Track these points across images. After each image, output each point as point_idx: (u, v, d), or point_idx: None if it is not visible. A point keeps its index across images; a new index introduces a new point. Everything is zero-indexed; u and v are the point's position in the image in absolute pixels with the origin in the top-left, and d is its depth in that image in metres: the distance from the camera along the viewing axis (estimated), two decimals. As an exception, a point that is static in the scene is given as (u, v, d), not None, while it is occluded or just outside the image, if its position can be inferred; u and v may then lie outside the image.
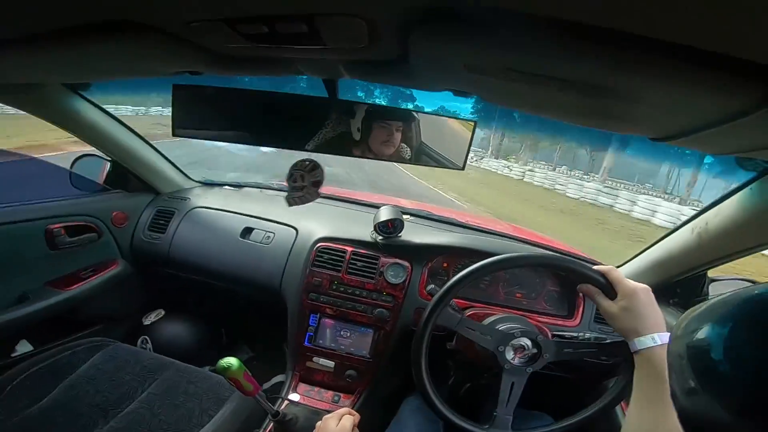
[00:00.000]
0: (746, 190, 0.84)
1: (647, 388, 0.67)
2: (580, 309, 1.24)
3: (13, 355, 1.37)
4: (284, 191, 1.73)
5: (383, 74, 0.73)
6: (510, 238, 1.52)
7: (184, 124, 0.78)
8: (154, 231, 1.58)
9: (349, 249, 1.32)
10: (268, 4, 0.48)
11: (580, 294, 1.15)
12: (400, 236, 1.31)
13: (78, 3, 0.51)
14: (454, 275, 1.23)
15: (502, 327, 1.01)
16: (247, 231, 1.51)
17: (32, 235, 1.31)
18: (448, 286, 0.95)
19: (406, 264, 1.30)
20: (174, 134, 0.79)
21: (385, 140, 0.81)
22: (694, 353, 0.39)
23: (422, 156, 0.82)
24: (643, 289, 0.76)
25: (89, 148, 1.45)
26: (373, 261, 1.30)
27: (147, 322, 1.66)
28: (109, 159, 1.55)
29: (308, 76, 0.79)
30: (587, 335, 1.14)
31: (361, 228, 1.37)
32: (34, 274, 1.36)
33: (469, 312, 1.16)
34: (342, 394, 1.31)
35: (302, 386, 1.33)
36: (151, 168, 1.61)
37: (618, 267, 1.29)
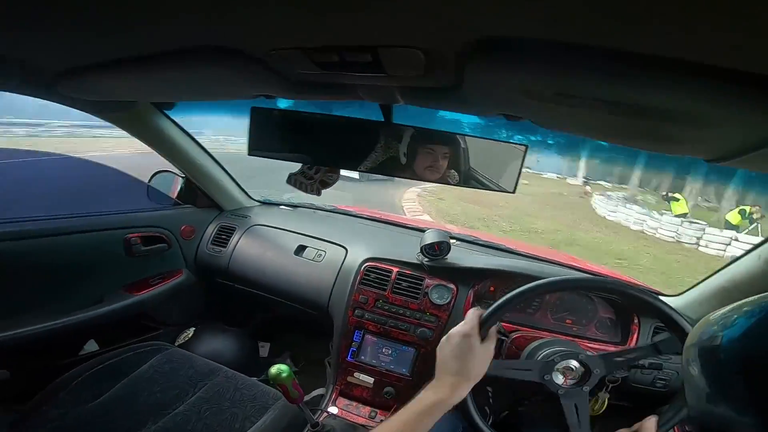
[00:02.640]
0: None
1: None
2: (635, 335, 1.18)
3: (80, 353, 1.48)
4: (336, 212, 1.89)
5: (437, 100, 0.76)
6: (562, 266, 1.48)
7: (258, 145, 0.84)
8: (217, 245, 1.69)
9: (395, 269, 1.35)
10: (339, 36, 0.53)
11: (635, 320, 1.11)
12: (447, 259, 1.31)
13: (179, 30, 0.58)
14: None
15: (543, 353, 0.99)
16: (301, 248, 1.58)
17: (113, 242, 1.45)
18: (495, 307, 0.92)
19: (452, 286, 1.30)
20: (249, 154, 0.84)
21: (429, 165, 0.83)
22: (704, 355, 0.39)
23: (471, 180, 0.84)
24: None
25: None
26: (418, 282, 1.31)
27: (178, 343, 1.72)
28: (182, 175, 1.68)
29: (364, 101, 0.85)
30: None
31: (407, 250, 1.39)
32: (111, 278, 1.48)
33: (515, 335, 1.15)
34: (379, 411, 1.31)
35: (341, 400, 1.35)
36: (218, 186, 1.73)
37: (678, 295, 1.24)
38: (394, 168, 0.82)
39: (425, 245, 1.29)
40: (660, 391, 1.13)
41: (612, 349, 1.16)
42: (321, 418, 1.23)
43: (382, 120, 0.83)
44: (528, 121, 0.77)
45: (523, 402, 1.34)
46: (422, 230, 1.58)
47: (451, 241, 1.33)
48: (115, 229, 1.45)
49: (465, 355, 0.76)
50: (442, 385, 0.73)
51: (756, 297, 0.39)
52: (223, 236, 1.69)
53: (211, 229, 1.73)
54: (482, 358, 0.77)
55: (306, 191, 0.93)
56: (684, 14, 0.32)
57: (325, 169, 0.90)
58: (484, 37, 0.47)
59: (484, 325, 0.84)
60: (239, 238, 1.67)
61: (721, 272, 1.11)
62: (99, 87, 0.93)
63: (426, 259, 1.31)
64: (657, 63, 0.40)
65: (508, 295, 0.91)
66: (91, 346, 1.52)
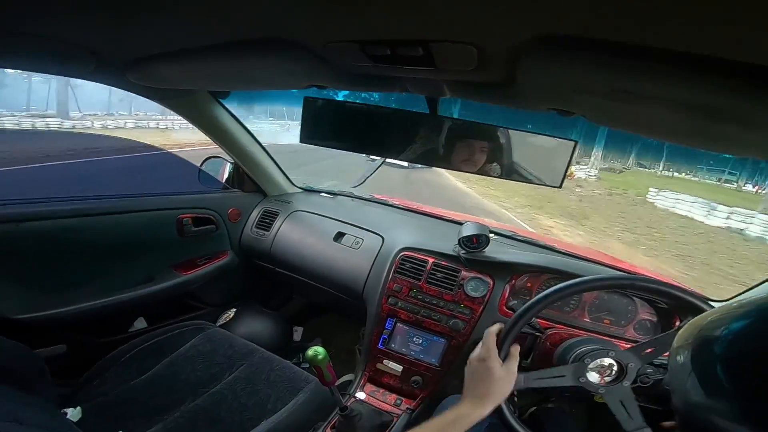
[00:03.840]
0: None
1: None
2: None
3: (130, 330, 1.57)
4: (373, 201, 1.93)
5: (486, 94, 0.77)
6: (604, 265, 1.44)
7: (310, 133, 0.88)
8: (261, 228, 1.75)
9: (431, 260, 1.35)
10: (392, 30, 0.55)
11: (677, 323, 1.07)
12: (484, 252, 1.31)
13: (242, 21, 0.62)
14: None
15: (575, 352, 0.97)
16: (340, 235, 1.62)
17: (167, 222, 1.53)
18: (532, 302, 0.91)
19: (488, 279, 1.29)
20: (301, 141, 0.89)
21: (469, 157, 0.84)
22: (696, 354, 0.38)
23: (513, 173, 0.84)
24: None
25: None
26: (454, 273, 1.31)
27: (219, 323, 1.77)
28: (231, 161, 1.77)
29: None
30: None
31: (443, 241, 1.39)
32: (162, 257, 1.57)
33: (550, 332, 1.13)
34: (404, 399, 1.33)
35: (369, 386, 1.37)
36: (264, 172, 1.80)
37: (726, 300, 1.18)
38: (437, 158, 0.85)
39: (463, 237, 1.28)
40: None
41: (650, 351, 1.12)
42: (348, 403, 1.24)
43: (428, 112, 0.85)
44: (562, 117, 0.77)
45: (550, 398, 1.32)
46: (459, 223, 1.58)
47: (490, 235, 1.32)
48: (169, 209, 1.54)
49: (485, 379, 0.79)
50: (465, 405, 0.77)
51: (756, 298, 0.39)
52: (267, 220, 1.76)
53: (255, 213, 1.80)
54: (503, 380, 0.79)
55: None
56: (754, 15, 0.31)
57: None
58: (540, 35, 0.47)
59: (502, 347, 0.86)
60: (282, 223, 1.72)
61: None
62: (164, 75, 1.00)
63: (463, 251, 1.31)
64: (719, 65, 0.40)
65: (521, 309, 0.90)
66: (140, 323, 1.60)
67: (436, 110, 0.85)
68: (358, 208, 1.84)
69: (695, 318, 0.44)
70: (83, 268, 1.34)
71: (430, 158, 0.85)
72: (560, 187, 0.84)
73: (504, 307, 1.26)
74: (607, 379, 0.89)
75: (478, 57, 0.57)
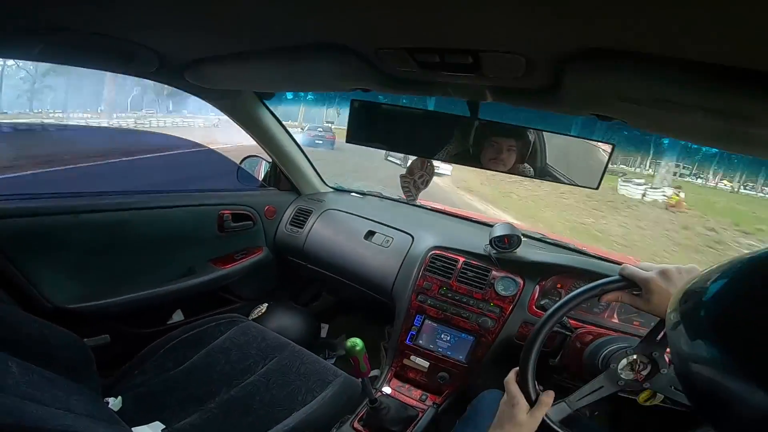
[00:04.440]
0: None
1: None
2: None
3: (168, 322, 1.61)
4: (402, 202, 1.93)
5: (528, 100, 0.79)
6: None
7: (356, 134, 0.92)
8: (295, 226, 1.78)
9: (461, 259, 1.36)
10: (443, 39, 0.57)
11: None
12: (515, 252, 1.31)
13: (300, 27, 0.64)
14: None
15: (603, 353, 0.94)
16: (370, 234, 1.63)
17: (207, 218, 1.57)
18: (567, 299, 0.88)
19: (519, 279, 1.29)
20: (347, 141, 0.93)
21: (503, 159, 0.88)
22: (684, 309, 0.38)
23: (547, 174, 0.88)
24: (658, 273, 0.68)
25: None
26: (484, 272, 1.32)
27: (252, 317, 1.77)
28: (268, 161, 1.82)
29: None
30: None
31: (474, 241, 1.40)
32: (201, 252, 1.62)
33: (580, 331, 1.12)
34: (430, 395, 1.33)
35: (395, 381, 1.38)
36: (299, 171, 1.84)
37: None
38: (474, 159, 0.88)
39: (495, 237, 1.28)
40: None
41: None
42: (376, 396, 1.25)
43: (469, 115, 0.88)
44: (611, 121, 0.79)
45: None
46: (488, 225, 1.61)
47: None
48: (211, 205, 1.58)
49: (506, 423, 0.78)
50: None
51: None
52: (301, 218, 1.79)
53: (290, 211, 1.83)
54: (524, 427, 0.77)
55: (413, 193, 1.06)
56: None
57: (419, 174, 1.00)
58: (586, 47, 0.49)
59: (525, 391, 0.82)
60: (315, 221, 1.75)
61: None
62: (219, 77, 1.06)
63: (494, 251, 1.31)
64: (756, 77, 0.41)
65: (527, 345, 0.86)
66: (178, 315, 1.65)
67: (477, 113, 0.88)
68: (387, 208, 1.85)
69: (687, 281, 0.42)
70: (129, 260, 1.39)
71: (468, 158, 0.89)
72: (597, 188, 0.86)
73: (534, 307, 1.26)
74: (644, 373, 0.86)
75: (525, 65, 0.59)
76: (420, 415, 1.24)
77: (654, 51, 0.45)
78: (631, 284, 0.77)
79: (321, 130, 15.37)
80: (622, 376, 0.86)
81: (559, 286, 1.31)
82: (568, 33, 0.47)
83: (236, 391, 1.13)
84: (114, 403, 1.03)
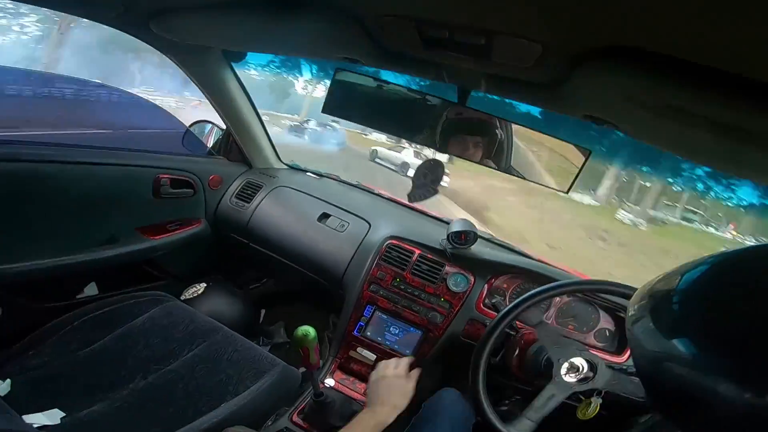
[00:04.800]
0: None
1: None
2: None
3: (79, 296, 1.38)
4: (361, 188, 1.84)
5: (522, 93, 0.78)
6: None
7: (334, 105, 0.86)
8: (241, 200, 1.62)
9: (417, 251, 1.32)
10: (460, 13, 0.52)
11: None
12: (470, 249, 1.29)
13: None
14: (512, 297, 1.29)
15: (547, 353, 0.97)
16: (325, 216, 1.53)
17: (142, 180, 1.37)
18: (522, 299, 0.95)
19: (470, 276, 1.28)
20: (323, 112, 0.87)
21: (482, 150, 0.88)
22: (657, 307, 0.37)
23: (527, 171, 0.89)
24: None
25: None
26: (438, 267, 1.29)
27: (184, 297, 1.61)
28: (221, 128, 1.66)
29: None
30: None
31: (430, 234, 1.37)
32: (130, 218, 1.40)
33: (524, 331, 1.12)
34: None
35: (339, 373, 1.30)
36: (254, 142, 1.68)
37: None
38: (452, 146, 0.87)
39: (452, 232, 1.26)
40: (640, 400, 1.13)
41: (608, 357, 1.16)
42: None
43: (456, 101, 0.85)
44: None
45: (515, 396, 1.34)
46: (444, 221, 1.59)
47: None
48: (148, 167, 1.39)
49: (393, 391, 0.92)
50: (374, 411, 0.88)
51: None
52: (249, 192, 1.64)
53: (237, 184, 1.68)
54: (404, 392, 0.93)
55: (427, 197, 1.07)
56: None
57: (427, 170, 1.03)
58: (612, 44, 0.46)
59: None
60: (264, 197, 1.62)
61: None
62: (188, 29, 0.95)
63: (450, 247, 1.29)
64: None
65: (505, 309, 0.95)
66: (92, 289, 1.43)
67: (465, 101, 0.85)
68: (345, 193, 1.75)
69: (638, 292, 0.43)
70: (39, 220, 1.16)
71: (449, 146, 0.87)
72: (567, 193, 0.88)
73: (481, 305, 1.27)
74: (570, 377, 0.92)
75: (539, 55, 0.55)
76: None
77: (682, 55, 0.43)
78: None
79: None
80: (566, 380, 0.91)
81: (505, 286, 1.32)
82: (601, 26, 0.44)
83: (155, 378, 0.99)
84: (0, 387, 0.88)
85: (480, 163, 0.89)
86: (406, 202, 1.79)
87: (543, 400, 0.90)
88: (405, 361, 1.01)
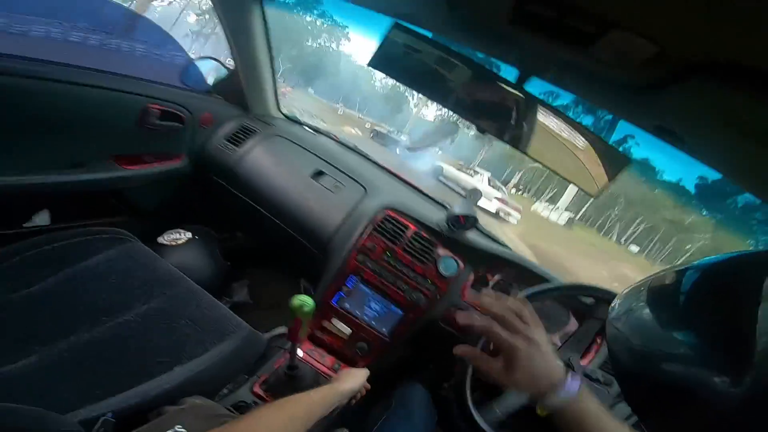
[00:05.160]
0: None
1: None
2: (592, 353, 1.16)
3: (25, 225, 1.16)
4: (358, 152, 1.70)
5: (595, 90, 0.69)
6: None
7: (383, 59, 0.78)
8: (231, 142, 1.47)
9: (413, 227, 1.23)
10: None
11: (598, 340, 1.12)
12: (465, 235, 1.23)
13: None
14: (495, 289, 1.25)
15: None
16: (319, 174, 1.40)
17: (130, 107, 1.19)
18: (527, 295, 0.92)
19: (461, 262, 1.22)
20: (368, 65, 0.79)
21: (525, 137, 0.82)
22: (656, 301, 0.38)
23: (562, 168, 0.84)
24: (521, 343, 0.52)
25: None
26: (431, 247, 1.22)
27: (161, 241, 1.45)
28: (228, 67, 1.51)
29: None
30: (596, 375, 1.08)
31: (427, 213, 1.28)
32: (107, 144, 1.23)
33: None
34: (342, 364, 1.21)
35: (307, 344, 1.23)
36: (258, 86, 1.54)
37: None
38: (502, 131, 0.81)
39: (452, 215, 1.19)
40: None
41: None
42: (284, 357, 1.09)
43: (515, 83, 0.76)
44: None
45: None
46: (442, 204, 1.50)
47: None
48: (139, 95, 1.21)
49: (354, 375, 0.93)
50: (339, 382, 0.88)
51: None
52: (241, 136, 1.48)
53: (231, 126, 1.51)
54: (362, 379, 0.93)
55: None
56: None
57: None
58: (741, 63, 0.41)
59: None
60: (257, 143, 1.46)
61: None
62: None
63: (447, 229, 1.22)
64: None
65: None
66: (43, 219, 1.20)
67: (523, 83, 0.76)
68: (343, 154, 1.61)
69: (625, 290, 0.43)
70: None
71: (499, 130, 0.81)
72: (594, 197, 0.83)
73: (465, 293, 1.21)
74: None
75: (650, 58, 0.48)
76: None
77: None
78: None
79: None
80: None
81: (488, 278, 1.27)
82: (738, 41, 0.39)
83: (101, 331, 0.84)
84: None
85: (531, 153, 0.83)
86: (406, 178, 1.68)
87: (514, 395, 0.89)
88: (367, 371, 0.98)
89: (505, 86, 0.77)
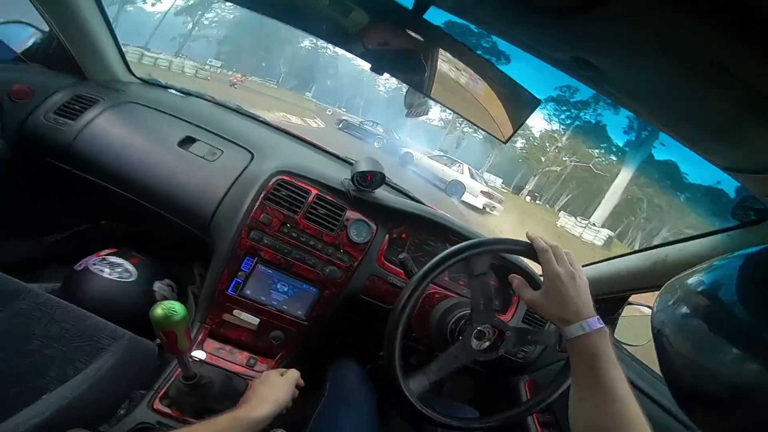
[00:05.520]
0: (723, 235, 0.85)
1: (583, 375, 0.62)
2: (514, 307, 1.18)
3: None
4: (245, 114, 1.46)
5: (501, 17, 0.60)
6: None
7: None
8: (62, 116, 1.16)
9: (314, 191, 1.08)
10: None
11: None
12: (374, 193, 1.11)
13: None
14: (410, 249, 1.18)
15: (455, 315, 0.93)
16: (189, 140, 1.17)
17: None
18: (435, 262, 0.82)
19: (373, 225, 1.11)
20: None
21: (423, 75, 0.73)
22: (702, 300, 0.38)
23: (470, 111, 0.77)
24: (564, 273, 0.67)
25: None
26: (339, 211, 1.09)
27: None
28: (41, 30, 1.24)
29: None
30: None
31: (330, 174, 1.14)
32: None
33: (427, 291, 1.03)
34: (260, 358, 1.06)
35: (210, 342, 1.05)
36: (92, 48, 1.24)
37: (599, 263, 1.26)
38: (400, 70, 0.72)
39: (357, 172, 1.07)
40: (518, 361, 1.16)
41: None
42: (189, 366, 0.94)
43: (410, 9, 0.65)
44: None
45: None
46: (348, 162, 1.37)
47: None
48: None
49: (277, 387, 0.77)
50: (251, 406, 0.71)
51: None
52: (76, 107, 1.18)
53: (59, 97, 1.20)
54: (287, 390, 0.79)
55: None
56: None
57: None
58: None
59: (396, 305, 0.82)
60: (100, 113, 1.18)
61: (615, 260, 1.18)
62: None
63: (353, 189, 1.09)
64: None
65: (423, 270, 0.82)
66: None
67: (422, 12, 0.65)
68: (223, 117, 1.38)
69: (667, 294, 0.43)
70: None
71: (390, 65, 0.71)
72: (505, 143, 0.78)
73: (383, 258, 1.12)
74: (477, 344, 0.85)
75: None
76: (250, 385, 0.97)
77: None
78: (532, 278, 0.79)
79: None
80: (474, 347, 0.84)
81: (404, 236, 1.19)
82: None
83: None
84: None
85: (434, 95, 0.75)
86: (306, 137, 1.51)
87: (444, 362, 0.85)
88: (294, 373, 0.85)
89: (400, 15, 0.65)
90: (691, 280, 0.41)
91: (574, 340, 0.63)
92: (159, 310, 0.64)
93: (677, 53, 0.47)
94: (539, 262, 0.72)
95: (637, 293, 1.14)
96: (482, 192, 10.87)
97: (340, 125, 15.42)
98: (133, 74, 1.39)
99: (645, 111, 0.65)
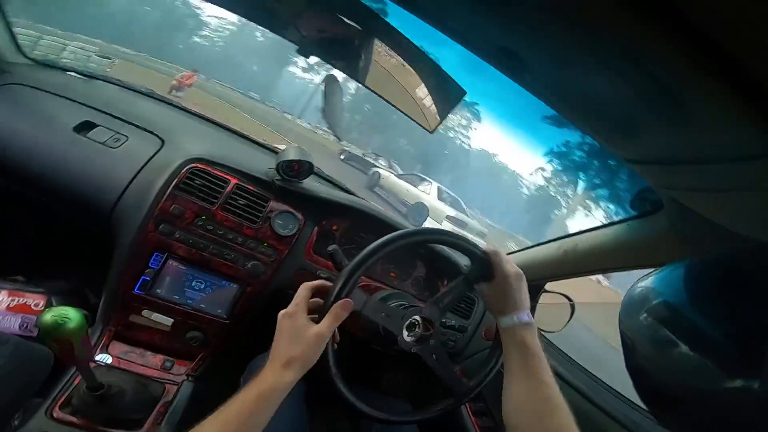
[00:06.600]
0: (626, 224, 0.89)
1: (515, 361, 0.69)
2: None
3: None
4: (157, 98, 1.35)
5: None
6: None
7: None
8: None
9: (234, 180, 1.01)
10: None
11: (444, 282, 1.22)
12: (302, 183, 1.07)
13: None
14: (341, 242, 1.15)
15: (394, 303, 0.87)
16: (87, 126, 1.04)
17: None
18: (368, 251, 0.75)
19: (300, 216, 1.07)
20: None
21: (356, 60, 0.71)
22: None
23: (398, 98, 0.77)
24: (515, 274, 0.75)
25: None
26: (262, 203, 1.03)
27: None
28: None
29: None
30: (452, 322, 1.17)
31: (252, 162, 1.07)
32: None
33: (360, 282, 0.97)
34: (177, 360, 0.98)
35: (117, 345, 0.96)
36: None
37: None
38: (331, 54, 0.70)
39: (283, 161, 1.01)
40: (447, 351, 1.19)
41: (421, 304, 1.04)
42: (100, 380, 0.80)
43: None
44: None
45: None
46: (273, 150, 1.30)
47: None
48: None
49: (292, 338, 0.63)
50: (267, 373, 0.60)
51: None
52: None
53: None
54: (310, 341, 0.62)
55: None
56: None
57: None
58: None
59: (326, 304, 0.68)
60: None
61: (529, 250, 1.23)
62: None
63: (278, 178, 1.04)
64: None
65: (361, 255, 0.74)
66: None
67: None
68: (130, 102, 1.26)
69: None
70: None
71: (320, 49, 0.68)
72: (431, 132, 0.80)
73: (311, 251, 1.08)
74: (410, 337, 0.82)
75: None
76: (167, 390, 0.89)
77: None
78: (486, 269, 0.77)
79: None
80: (407, 339, 0.82)
81: (334, 228, 1.16)
82: None
83: None
84: None
85: (345, 72, 0.73)
86: (228, 125, 1.41)
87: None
88: (302, 291, 0.70)
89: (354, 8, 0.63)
90: (650, 284, 0.44)
91: (507, 329, 0.72)
92: (48, 316, 0.57)
93: (591, 46, 0.46)
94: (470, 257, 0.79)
95: (552, 281, 1.19)
96: (448, 217, 8.46)
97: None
98: (25, 55, 1.22)
99: (563, 106, 0.64)
